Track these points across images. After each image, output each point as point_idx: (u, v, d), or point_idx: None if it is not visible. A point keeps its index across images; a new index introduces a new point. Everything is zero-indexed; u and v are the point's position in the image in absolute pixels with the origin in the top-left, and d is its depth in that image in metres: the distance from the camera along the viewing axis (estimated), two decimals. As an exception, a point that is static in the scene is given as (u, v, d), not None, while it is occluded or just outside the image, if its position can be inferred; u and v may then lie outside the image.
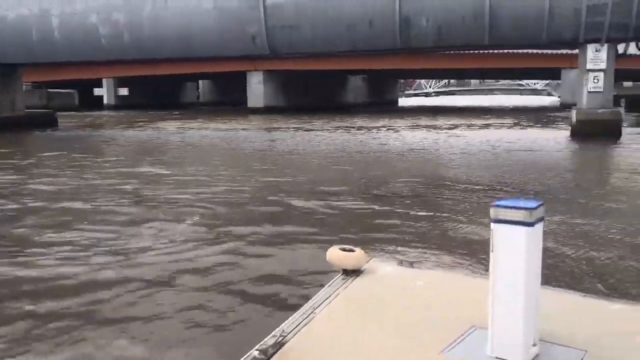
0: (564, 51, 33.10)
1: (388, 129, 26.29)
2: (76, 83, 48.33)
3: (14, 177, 12.63)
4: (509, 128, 27.37)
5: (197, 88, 64.86)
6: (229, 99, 57.17)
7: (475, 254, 5.77)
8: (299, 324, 2.07)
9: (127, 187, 10.77)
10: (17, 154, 17.75)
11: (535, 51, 37.31)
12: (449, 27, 20.21)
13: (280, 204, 8.95)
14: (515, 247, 1.75)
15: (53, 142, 22.45)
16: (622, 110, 22.86)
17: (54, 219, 8.16)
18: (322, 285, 2.52)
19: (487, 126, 28.17)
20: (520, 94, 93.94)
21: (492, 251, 1.81)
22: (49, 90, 46.47)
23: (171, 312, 4.65)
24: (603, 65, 19.67)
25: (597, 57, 19.63)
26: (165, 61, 31.56)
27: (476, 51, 37.09)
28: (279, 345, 1.90)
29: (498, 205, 1.78)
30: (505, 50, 37.51)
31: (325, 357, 1.90)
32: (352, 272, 2.55)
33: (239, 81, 46.44)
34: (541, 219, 1.79)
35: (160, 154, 17.21)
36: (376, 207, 8.67)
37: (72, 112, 42.56)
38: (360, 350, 1.93)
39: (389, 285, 2.47)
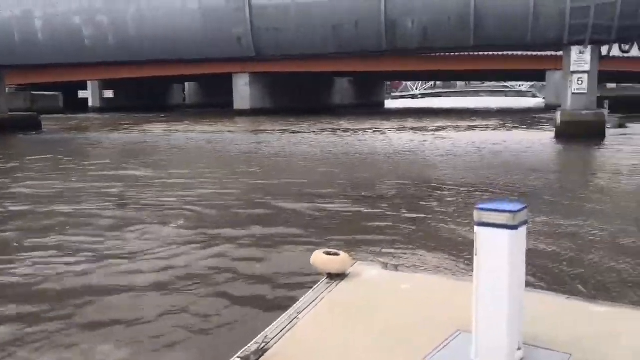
0: (549, 53, 33.37)
1: (375, 131, 26.33)
2: (61, 85, 47.88)
3: (-3, 180, 12.47)
4: (494, 129, 27.55)
5: (183, 90, 64.54)
6: (215, 101, 56.91)
7: (462, 254, 5.78)
8: (283, 329, 2.04)
9: (113, 190, 10.67)
10: (0, 158, 17.53)
11: (520, 53, 37.59)
12: (434, 29, 20.31)
13: (267, 207, 8.92)
14: (499, 250, 1.74)
15: (37, 145, 22.23)
16: (606, 111, 23.09)
17: (38, 222, 8.06)
18: (308, 288, 2.50)
19: (472, 128, 28.33)
20: (506, 96, 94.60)
21: (475, 254, 1.79)
22: (32, 92, 46.03)
23: (155, 316, 4.61)
24: (587, 67, 19.87)
25: (581, 58, 19.83)
26: (150, 63, 31.34)
27: (462, 53, 37.26)
28: (261, 352, 1.87)
29: (481, 208, 1.76)
30: (491, 52, 37.76)
31: None
32: (337, 276, 2.52)
33: (225, 83, 46.27)
34: (525, 222, 1.78)
35: (146, 156, 17.08)
36: (363, 209, 8.67)
37: (57, 115, 42.17)
38: (344, 356, 1.91)
39: (373, 289, 2.45)
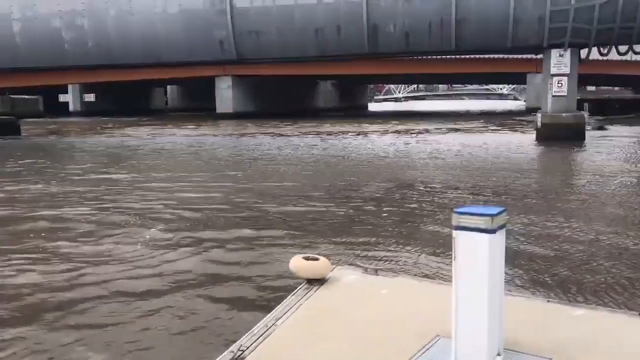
0: (529, 56, 33.73)
1: (358, 134, 26.38)
2: (41, 89, 47.30)
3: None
4: (476, 132, 27.74)
5: (165, 94, 64.11)
6: (198, 105, 56.66)
7: (448, 256, 5.78)
8: (259, 337, 2.00)
9: (92, 194, 10.53)
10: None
11: (501, 56, 37.96)
12: (416, 33, 20.42)
13: (251, 209, 8.86)
14: (477, 254, 1.72)
15: (16, 150, 21.86)
16: (586, 114, 23.39)
17: (15, 227, 7.92)
18: (289, 292, 2.46)
19: (455, 130, 28.50)
20: (488, 99, 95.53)
21: (454, 259, 1.76)
22: (12, 96, 45.29)
23: (133, 318, 4.57)
24: (567, 70, 20.10)
25: (560, 61, 20.06)
26: (131, 67, 31.08)
27: (444, 56, 37.56)
28: (236, 361, 1.83)
29: (459, 212, 1.73)
30: (472, 56, 38.11)
31: None
32: (316, 281, 2.48)
33: (208, 86, 46.10)
34: (503, 226, 1.75)
35: (127, 159, 16.91)
36: (346, 210, 8.64)
37: (37, 119, 41.64)
38: (322, 364, 1.87)
39: (353, 294, 2.41)
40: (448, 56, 37.30)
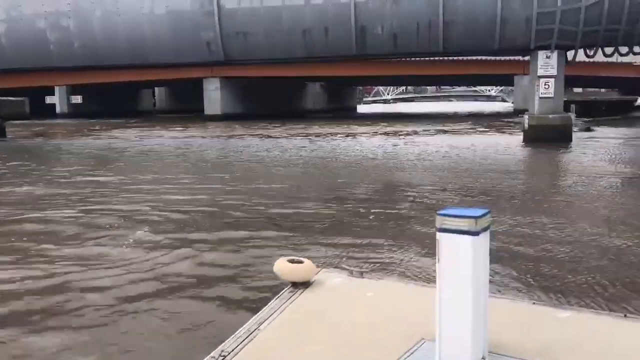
0: (517, 58, 33.92)
1: (347, 135, 26.38)
2: (27, 91, 46.82)
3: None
4: (464, 134, 27.84)
5: (153, 95, 63.69)
6: (186, 106, 56.27)
7: (434, 258, 5.77)
8: (242, 341, 1.97)
9: (78, 197, 10.43)
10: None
11: (489, 58, 38.15)
12: (404, 35, 20.45)
13: (238, 211, 8.81)
14: (461, 256, 1.70)
15: (1, 152, 21.64)
16: (572, 115, 23.55)
17: (0, 230, 7.83)
18: (277, 294, 2.44)
19: (443, 132, 28.59)
20: (476, 100, 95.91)
21: (438, 261, 1.75)
22: (-3, 98, 44.88)
23: (118, 321, 4.54)
24: (553, 72, 20.23)
25: (547, 63, 20.18)
26: (118, 68, 30.84)
27: (432, 58, 37.67)
28: (218, 367, 1.80)
29: (442, 214, 1.72)
30: (460, 57, 38.26)
31: None
32: (301, 284, 2.46)
33: (195, 88, 45.83)
34: (487, 228, 1.74)
35: (114, 162, 16.79)
36: (334, 212, 8.63)
37: (24, 121, 41.25)
38: (306, 368, 1.85)
39: (338, 297, 2.39)
40: (436, 58, 37.39)
